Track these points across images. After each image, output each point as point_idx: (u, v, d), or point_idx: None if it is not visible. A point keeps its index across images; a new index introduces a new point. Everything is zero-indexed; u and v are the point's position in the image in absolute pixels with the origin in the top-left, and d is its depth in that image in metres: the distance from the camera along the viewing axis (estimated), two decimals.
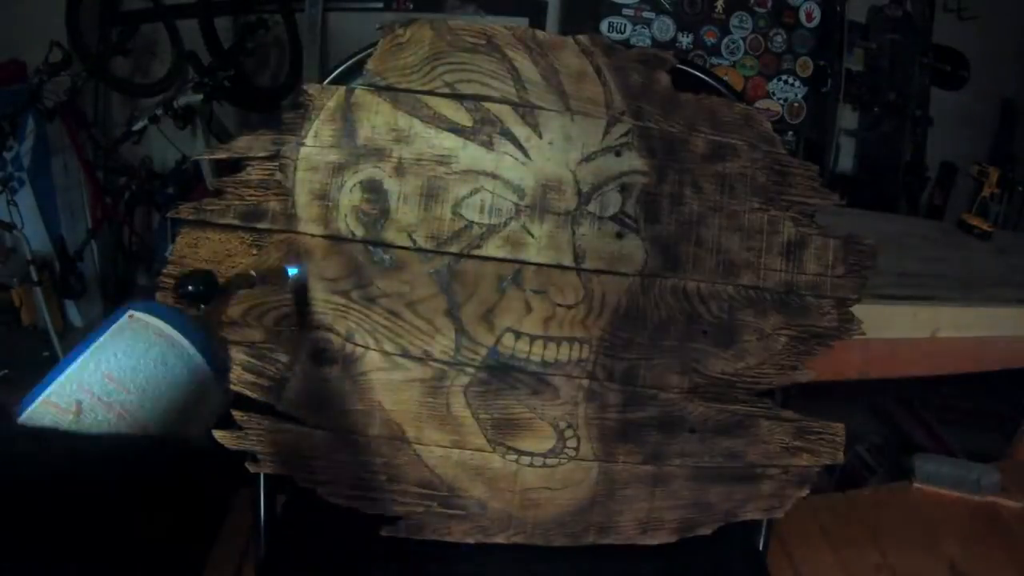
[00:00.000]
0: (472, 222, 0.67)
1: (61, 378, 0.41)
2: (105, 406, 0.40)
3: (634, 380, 0.70)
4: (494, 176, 0.67)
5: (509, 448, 0.70)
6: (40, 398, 0.39)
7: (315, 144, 0.67)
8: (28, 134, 2.15)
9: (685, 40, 2.44)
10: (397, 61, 0.67)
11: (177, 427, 0.44)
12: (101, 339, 0.43)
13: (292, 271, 0.67)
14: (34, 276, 1.77)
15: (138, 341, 0.43)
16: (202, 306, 0.52)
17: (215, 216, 0.66)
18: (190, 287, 0.52)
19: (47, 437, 0.37)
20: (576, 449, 0.70)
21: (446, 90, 0.67)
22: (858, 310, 0.73)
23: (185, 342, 0.45)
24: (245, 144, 0.67)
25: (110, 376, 0.41)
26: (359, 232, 0.67)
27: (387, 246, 0.67)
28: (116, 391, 0.41)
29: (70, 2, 2.17)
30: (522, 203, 0.67)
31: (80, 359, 0.42)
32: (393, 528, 0.70)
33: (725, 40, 2.47)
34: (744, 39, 2.48)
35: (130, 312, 0.45)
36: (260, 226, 0.67)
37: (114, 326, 0.44)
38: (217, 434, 0.68)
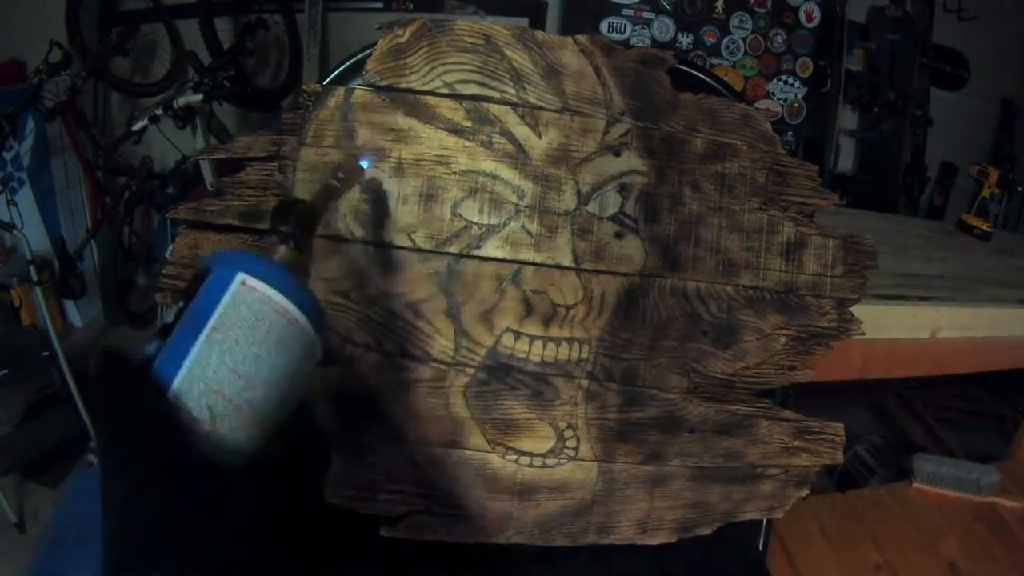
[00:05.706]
0: (471, 222, 0.66)
1: (184, 371, 0.38)
2: (235, 408, 0.39)
3: (634, 380, 0.70)
4: (493, 176, 0.67)
5: (509, 448, 0.70)
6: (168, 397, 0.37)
7: (314, 144, 0.67)
8: (28, 134, 2.16)
9: (685, 40, 2.44)
10: (396, 61, 0.67)
11: (292, 409, 0.42)
12: (217, 315, 0.39)
13: (365, 163, 0.65)
14: (34, 276, 1.78)
15: (256, 320, 0.40)
16: (296, 246, 0.47)
17: (215, 216, 0.66)
18: (283, 228, 0.47)
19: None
20: (576, 449, 0.70)
21: (445, 90, 0.67)
22: (858, 310, 0.73)
23: (298, 313, 0.41)
24: (245, 144, 0.67)
25: (236, 371, 0.39)
26: (359, 232, 0.67)
27: (387, 246, 0.67)
28: (244, 388, 0.39)
29: (70, 2, 2.18)
30: (521, 203, 0.67)
31: (199, 344, 0.39)
32: (393, 528, 0.70)
33: (725, 40, 2.47)
34: (744, 39, 2.49)
35: (242, 278, 0.41)
36: (260, 226, 0.66)
37: (227, 297, 0.40)
38: None
